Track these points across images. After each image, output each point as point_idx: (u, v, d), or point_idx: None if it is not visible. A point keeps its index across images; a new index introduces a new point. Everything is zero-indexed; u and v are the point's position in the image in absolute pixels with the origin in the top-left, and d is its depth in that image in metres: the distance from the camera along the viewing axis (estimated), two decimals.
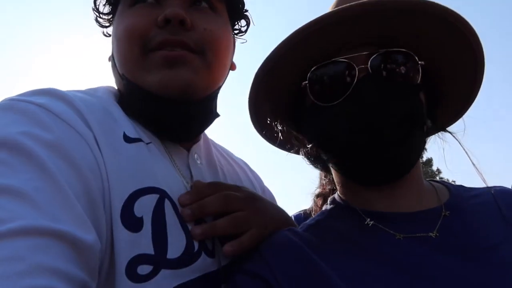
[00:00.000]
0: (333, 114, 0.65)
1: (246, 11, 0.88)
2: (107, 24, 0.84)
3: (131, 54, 0.72)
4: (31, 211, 0.46)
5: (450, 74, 0.71)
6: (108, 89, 0.78)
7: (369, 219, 0.68)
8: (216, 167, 0.87)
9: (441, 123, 0.76)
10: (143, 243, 0.58)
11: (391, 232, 0.65)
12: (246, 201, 0.75)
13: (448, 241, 0.63)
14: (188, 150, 0.81)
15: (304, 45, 0.65)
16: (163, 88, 0.71)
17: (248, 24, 0.90)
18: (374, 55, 0.64)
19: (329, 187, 0.88)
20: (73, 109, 0.62)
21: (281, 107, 0.77)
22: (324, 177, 0.89)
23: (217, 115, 0.84)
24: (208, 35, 0.74)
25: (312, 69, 0.68)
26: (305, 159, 0.80)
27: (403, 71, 0.65)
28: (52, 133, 0.56)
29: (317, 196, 0.90)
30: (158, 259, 0.59)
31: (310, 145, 0.74)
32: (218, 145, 0.99)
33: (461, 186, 0.78)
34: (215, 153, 0.91)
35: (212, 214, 0.71)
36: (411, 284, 0.57)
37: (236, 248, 0.68)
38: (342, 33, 0.64)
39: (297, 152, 0.82)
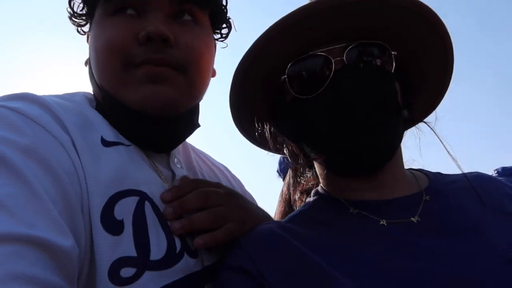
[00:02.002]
0: (313, 105, 0.67)
1: (229, 18, 0.87)
2: (83, 23, 0.82)
3: (111, 69, 0.71)
4: (4, 217, 0.45)
5: (421, 64, 0.74)
6: (85, 95, 0.77)
7: (352, 208, 0.70)
8: (196, 171, 0.87)
9: (417, 114, 0.78)
10: (125, 245, 0.58)
11: (375, 218, 0.67)
12: (226, 197, 0.75)
13: (429, 225, 0.65)
14: (168, 154, 0.81)
15: (278, 42, 0.66)
16: (144, 105, 0.70)
17: (229, 29, 0.89)
18: (349, 48, 0.66)
19: (312, 182, 0.89)
20: (49, 113, 0.62)
21: (261, 107, 0.77)
22: (308, 170, 0.89)
23: (198, 125, 0.83)
24: (191, 53, 0.73)
25: (290, 64, 0.69)
26: (288, 157, 0.81)
27: (377, 61, 0.68)
28: (27, 138, 0.55)
29: (301, 193, 0.92)
30: (141, 261, 0.58)
31: (291, 142, 0.75)
32: (198, 149, 0.98)
33: (439, 173, 0.81)
34: (194, 157, 0.91)
35: (192, 210, 0.70)
36: (402, 265, 0.59)
37: (208, 241, 0.68)
38: (315, 28, 0.65)
39: (278, 151, 0.84)
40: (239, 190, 0.95)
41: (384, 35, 0.68)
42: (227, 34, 0.89)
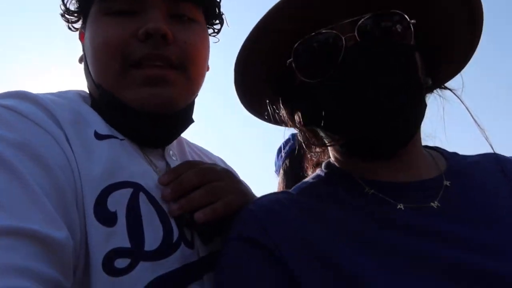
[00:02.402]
0: (324, 90, 0.62)
1: (222, 13, 0.88)
2: (75, 20, 0.82)
3: (110, 69, 0.72)
4: None
5: (444, 30, 0.67)
6: (78, 93, 0.78)
7: (368, 188, 0.65)
8: (190, 158, 0.88)
9: (440, 80, 0.72)
10: (119, 237, 0.58)
11: (392, 201, 0.62)
12: (224, 173, 0.76)
13: (451, 211, 0.61)
14: (163, 148, 0.82)
15: (281, 20, 0.62)
16: (144, 105, 0.72)
17: (222, 24, 0.90)
18: (361, 21, 0.60)
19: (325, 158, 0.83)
20: (42, 109, 0.63)
21: (269, 88, 0.74)
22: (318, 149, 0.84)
23: (193, 121, 0.84)
24: (189, 49, 0.74)
25: (296, 44, 0.64)
26: (300, 138, 0.76)
27: (393, 33, 0.61)
28: (19, 133, 0.56)
29: (315, 166, 0.85)
30: (135, 252, 0.59)
31: (303, 127, 0.71)
32: (193, 144, 0.99)
33: (456, 153, 0.76)
34: (188, 151, 0.92)
35: (191, 189, 0.70)
36: (419, 248, 0.55)
37: (209, 215, 0.67)
38: (322, 3, 0.61)
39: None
40: None
41: (398, 4, 0.61)
42: (220, 29, 0.90)
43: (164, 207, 0.67)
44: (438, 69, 0.70)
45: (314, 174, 0.76)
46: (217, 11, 0.85)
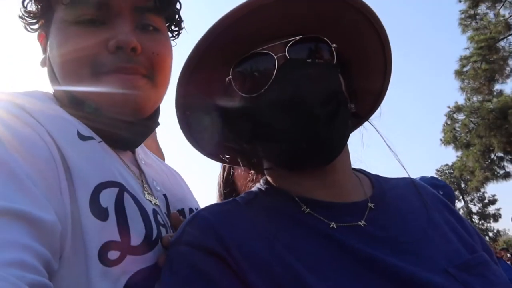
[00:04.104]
0: (260, 103, 0.68)
1: (182, 20, 0.93)
2: (34, 22, 0.83)
3: (80, 75, 0.74)
4: None
5: (361, 59, 0.77)
6: (45, 94, 0.80)
7: (305, 206, 0.70)
8: (156, 169, 0.94)
9: (361, 111, 0.80)
10: (111, 231, 0.63)
11: (326, 221, 0.67)
12: None
13: (374, 232, 0.67)
14: (133, 151, 0.88)
15: (219, 43, 0.68)
16: (115, 110, 0.76)
17: (181, 29, 0.94)
18: (291, 43, 0.68)
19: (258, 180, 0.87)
20: (21, 107, 0.67)
21: (208, 109, 0.78)
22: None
23: (159, 124, 0.90)
24: (157, 59, 0.79)
25: (234, 65, 0.71)
26: (240, 158, 0.82)
27: (319, 55, 0.70)
28: (3, 127, 0.59)
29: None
30: (124, 246, 0.64)
31: (243, 144, 0.76)
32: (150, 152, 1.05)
33: (378, 175, 0.83)
34: (150, 155, 0.99)
35: None
36: (350, 261, 0.61)
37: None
38: (254, 25, 0.66)
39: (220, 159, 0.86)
40: (185, 188, 1.03)
41: (323, 30, 0.70)
42: (178, 34, 0.94)
43: (146, 206, 0.73)
44: (358, 92, 0.77)
45: (255, 187, 0.80)
46: (178, 19, 0.90)
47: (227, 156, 0.86)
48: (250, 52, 0.69)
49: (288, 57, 0.67)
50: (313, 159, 0.69)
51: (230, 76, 0.71)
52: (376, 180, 0.80)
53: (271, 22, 0.67)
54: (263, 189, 0.78)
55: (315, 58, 0.70)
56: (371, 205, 0.72)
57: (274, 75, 0.66)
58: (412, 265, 0.61)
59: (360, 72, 0.78)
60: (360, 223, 0.68)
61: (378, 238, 0.66)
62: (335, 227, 0.66)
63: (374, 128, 0.80)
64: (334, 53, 0.71)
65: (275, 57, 0.67)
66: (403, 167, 0.79)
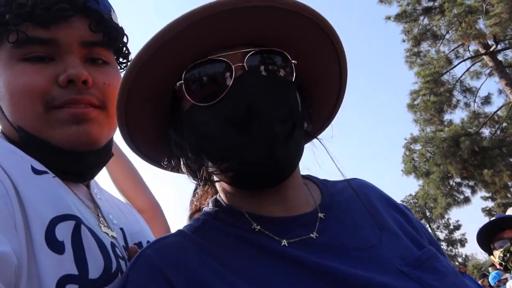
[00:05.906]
0: (213, 114, 0.64)
1: (130, 53, 0.93)
2: None
3: (32, 112, 0.74)
4: None
5: (318, 76, 0.76)
6: None
7: (255, 224, 0.69)
8: (111, 202, 0.94)
9: (314, 130, 0.81)
10: (68, 264, 0.62)
11: (277, 238, 0.66)
12: None
13: (326, 242, 0.67)
14: (87, 185, 0.88)
15: (174, 45, 0.63)
16: (71, 144, 0.76)
17: (129, 61, 0.93)
18: (250, 53, 0.65)
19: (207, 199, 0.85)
20: None
21: (153, 118, 0.74)
22: (203, 187, 0.87)
23: (112, 154, 0.91)
24: (108, 90, 0.80)
25: (188, 68, 0.66)
26: (185, 170, 0.76)
27: (278, 69, 0.67)
28: None
29: (194, 213, 0.89)
30: (82, 279, 0.63)
31: (190, 153, 0.71)
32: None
33: (326, 180, 0.83)
34: (104, 190, 0.99)
35: None
36: (308, 284, 0.60)
37: None
38: (212, 29, 0.63)
39: (174, 169, 0.80)
40: (140, 220, 1.03)
41: (283, 45, 0.68)
42: (127, 65, 0.94)
43: (103, 239, 0.72)
44: (312, 111, 0.77)
45: (204, 211, 0.78)
46: (126, 51, 0.92)
47: (169, 163, 0.79)
48: (207, 58, 0.66)
49: (247, 68, 0.64)
50: (265, 179, 0.67)
51: (182, 81, 0.67)
52: (324, 186, 0.80)
53: (231, 28, 0.64)
54: (212, 212, 0.75)
55: (274, 73, 0.67)
56: (321, 215, 0.71)
57: (230, 85, 0.63)
58: (366, 271, 0.62)
59: (315, 92, 0.78)
60: (312, 235, 0.67)
61: (331, 248, 0.66)
62: (287, 245, 0.65)
63: (324, 146, 0.80)
64: (294, 70, 0.69)
65: (233, 66, 0.64)
66: (339, 170, 0.77)
